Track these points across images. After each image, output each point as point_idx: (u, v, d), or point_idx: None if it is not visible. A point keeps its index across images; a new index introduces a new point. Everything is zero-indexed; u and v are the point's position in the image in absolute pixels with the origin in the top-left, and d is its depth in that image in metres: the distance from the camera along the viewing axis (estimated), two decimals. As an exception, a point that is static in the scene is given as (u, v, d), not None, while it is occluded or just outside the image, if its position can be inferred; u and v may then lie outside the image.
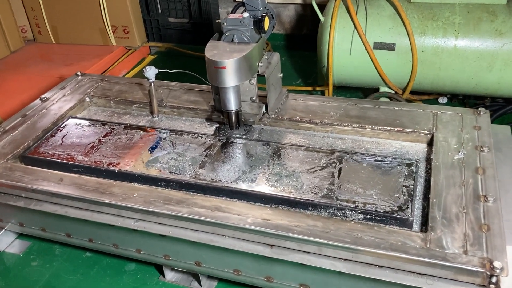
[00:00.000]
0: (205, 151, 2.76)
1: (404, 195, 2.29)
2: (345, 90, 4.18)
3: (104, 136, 2.99)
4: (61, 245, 2.98)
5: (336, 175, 2.49)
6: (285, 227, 2.14)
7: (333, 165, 2.56)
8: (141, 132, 2.99)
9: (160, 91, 3.24)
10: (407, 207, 2.22)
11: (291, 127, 3.01)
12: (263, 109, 3.06)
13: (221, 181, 2.52)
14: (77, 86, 3.58)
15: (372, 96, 3.60)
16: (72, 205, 2.53)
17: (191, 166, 2.65)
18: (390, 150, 2.75)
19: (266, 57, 2.89)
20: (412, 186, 2.34)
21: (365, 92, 4.07)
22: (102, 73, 4.68)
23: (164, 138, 2.90)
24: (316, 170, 2.53)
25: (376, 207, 2.23)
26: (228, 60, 2.59)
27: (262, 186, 2.46)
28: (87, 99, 3.46)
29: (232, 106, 2.85)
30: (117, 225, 2.45)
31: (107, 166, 2.71)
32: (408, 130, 2.77)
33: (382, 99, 3.59)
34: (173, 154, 2.75)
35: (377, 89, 3.70)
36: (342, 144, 2.86)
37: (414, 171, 2.44)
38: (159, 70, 3.14)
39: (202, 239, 2.30)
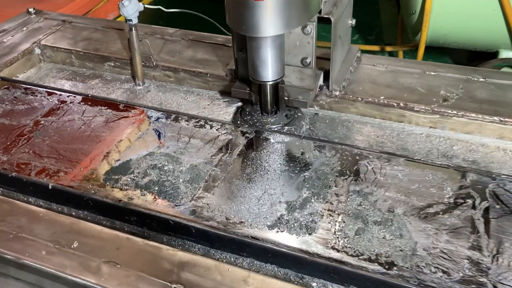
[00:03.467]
0: (217, 154, 1.50)
1: None
2: (429, 53, 2.82)
3: (46, 115, 1.74)
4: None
5: (481, 227, 1.22)
6: None
7: (469, 201, 1.29)
8: (109, 110, 1.73)
9: (147, 42, 1.95)
10: None
11: (369, 115, 1.73)
12: (321, 81, 1.77)
13: (243, 223, 1.28)
14: (25, 29, 2.31)
15: (489, 65, 2.25)
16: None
17: (188, 188, 1.40)
18: None
19: (333, -13, 1.59)
20: None
21: (462, 57, 2.73)
22: (84, 15, 3.37)
23: (146, 123, 1.64)
24: (438, 213, 1.26)
25: None
26: (270, -17, 1.30)
27: (327, 246, 1.21)
28: (37, 51, 2.19)
29: (269, 73, 1.56)
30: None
31: (35, 175, 1.47)
32: None
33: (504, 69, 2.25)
34: (158, 158, 1.50)
35: (493, 54, 2.34)
36: (465, 151, 1.57)
37: None
38: (147, 6, 1.88)
39: None
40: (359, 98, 1.72)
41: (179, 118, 1.67)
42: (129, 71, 2.05)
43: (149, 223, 1.34)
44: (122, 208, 1.35)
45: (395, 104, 1.68)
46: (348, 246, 1.19)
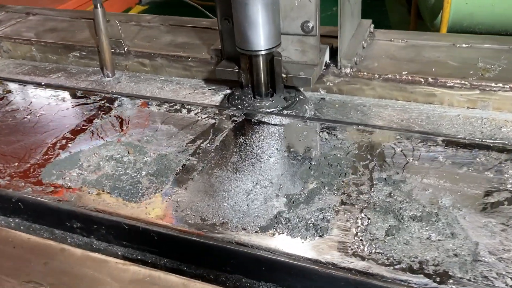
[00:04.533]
0: (194, 141, 1.14)
1: None
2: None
3: (-15, 106, 1.39)
4: None
5: None
6: None
7: (543, 187, 0.92)
8: (63, 98, 1.39)
9: (116, 23, 1.62)
10: None
11: (389, 96, 1.38)
12: (327, 57, 1.43)
13: (226, 225, 0.90)
14: (-17, 24, 2.00)
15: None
16: None
17: (152, 182, 1.03)
18: None
19: None
20: None
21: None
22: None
23: (106, 109, 1.29)
24: (502, 203, 0.89)
25: None
26: None
27: (347, 253, 0.83)
28: (-6, 45, 1.87)
29: (261, 39, 1.22)
30: None
31: (-47, 173, 1.11)
32: None
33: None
34: (116, 148, 1.14)
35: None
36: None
37: None
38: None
39: None
40: (376, 75, 1.37)
41: (149, 103, 1.32)
42: (97, 62, 1.72)
43: (96, 229, 0.97)
44: (61, 210, 0.99)
45: (422, 80, 1.32)
46: (378, 251, 0.81)
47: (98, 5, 1.54)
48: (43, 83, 1.48)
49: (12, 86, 1.48)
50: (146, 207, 0.96)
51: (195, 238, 0.88)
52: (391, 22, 3.04)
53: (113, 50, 1.64)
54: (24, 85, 1.47)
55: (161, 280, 0.83)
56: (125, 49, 1.65)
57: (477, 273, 0.76)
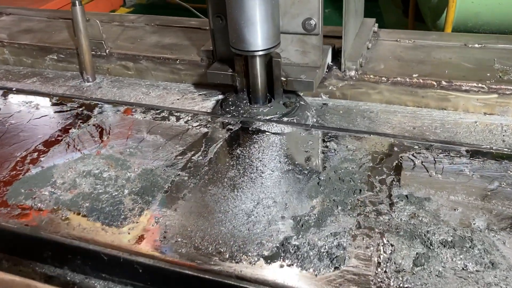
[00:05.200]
0: (184, 153, 1.00)
1: None
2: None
3: None
4: None
5: None
6: None
7: None
8: (37, 105, 1.24)
9: (97, 22, 1.48)
10: None
11: (398, 102, 1.26)
12: (329, 59, 1.31)
13: (223, 255, 0.76)
14: (-48, 25, 1.84)
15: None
16: None
17: (136, 203, 0.89)
18: None
19: None
20: None
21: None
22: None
23: (85, 118, 1.15)
24: (547, 225, 0.76)
25: None
26: None
27: None
28: (-38, 48, 1.71)
29: (258, 38, 1.09)
30: None
31: None
32: None
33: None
34: (95, 162, 0.99)
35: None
36: (545, 141, 1.09)
37: None
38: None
39: None
40: (383, 79, 1.24)
41: (133, 110, 1.18)
42: (77, 66, 1.57)
43: (70, 259, 0.82)
44: (30, 237, 0.84)
45: (435, 83, 1.21)
46: (406, 286, 0.68)
47: (77, 2, 1.40)
48: (14, 89, 1.33)
49: (-22, 91, 1.32)
50: (129, 233, 0.81)
51: (187, 271, 0.74)
52: (386, 24, 2.94)
53: (93, 52, 1.50)
54: (-9, 90, 1.32)
55: (147, 324, 0.69)
56: (107, 51, 1.51)
57: (527, 312, 0.64)
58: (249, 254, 0.75)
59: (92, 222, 0.84)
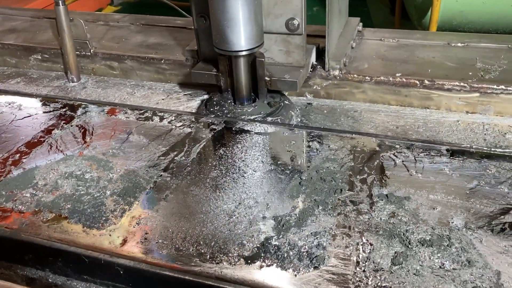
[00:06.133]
0: (167, 154, 1.00)
1: None
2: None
3: None
4: None
5: None
6: None
7: None
8: (19, 106, 1.23)
9: (81, 22, 1.47)
10: None
11: (382, 101, 1.26)
12: (313, 58, 1.31)
13: (204, 256, 0.76)
14: None
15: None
16: None
17: (117, 204, 0.89)
18: None
19: None
20: None
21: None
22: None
23: (68, 118, 1.14)
24: (523, 223, 0.77)
25: None
26: None
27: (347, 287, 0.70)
28: None
29: (242, 38, 1.09)
30: None
31: None
32: None
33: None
34: (77, 164, 0.99)
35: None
36: (525, 139, 1.11)
37: None
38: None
39: None
40: (367, 78, 1.25)
41: (117, 111, 1.17)
42: (61, 66, 1.56)
43: (52, 262, 0.82)
44: (10, 240, 0.84)
45: (418, 82, 1.22)
46: (384, 284, 0.69)
47: (60, 2, 1.39)
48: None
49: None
50: (110, 235, 0.81)
51: (168, 273, 0.74)
52: (373, 22, 2.96)
53: (78, 52, 1.49)
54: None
55: (127, 325, 0.69)
56: (91, 50, 1.50)
57: (502, 310, 0.65)
58: (230, 254, 0.76)
59: (74, 224, 0.84)
